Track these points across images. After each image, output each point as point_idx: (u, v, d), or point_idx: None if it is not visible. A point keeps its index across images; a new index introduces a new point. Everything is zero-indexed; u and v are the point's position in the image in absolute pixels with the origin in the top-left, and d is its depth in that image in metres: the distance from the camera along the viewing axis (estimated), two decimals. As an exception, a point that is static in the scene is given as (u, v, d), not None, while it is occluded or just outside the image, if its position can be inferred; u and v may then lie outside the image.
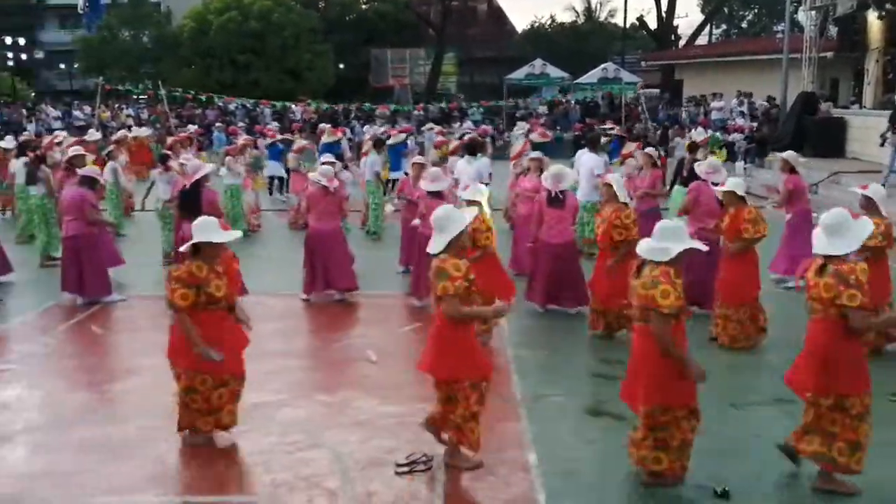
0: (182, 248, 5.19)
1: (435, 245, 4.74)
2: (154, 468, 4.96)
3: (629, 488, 4.73)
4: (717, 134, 22.85)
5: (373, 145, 13.86)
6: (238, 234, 5.47)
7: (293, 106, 31.61)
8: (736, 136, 23.42)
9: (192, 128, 22.13)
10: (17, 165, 11.58)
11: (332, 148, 14.67)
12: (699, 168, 8.66)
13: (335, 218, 8.85)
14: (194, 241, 4.96)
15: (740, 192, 7.10)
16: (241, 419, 5.69)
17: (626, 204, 7.30)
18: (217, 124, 24.26)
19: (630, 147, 13.20)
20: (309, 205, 8.87)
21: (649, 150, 10.99)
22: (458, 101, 33.79)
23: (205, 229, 4.95)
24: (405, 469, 4.88)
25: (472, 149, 11.79)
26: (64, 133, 16.31)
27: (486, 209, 7.06)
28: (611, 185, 7.32)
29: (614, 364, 6.77)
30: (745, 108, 27.18)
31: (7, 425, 5.65)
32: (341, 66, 41.49)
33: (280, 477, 4.81)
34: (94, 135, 15.60)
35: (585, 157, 11.40)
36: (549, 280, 8.19)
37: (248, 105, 31.20)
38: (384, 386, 6.37)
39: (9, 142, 9.74)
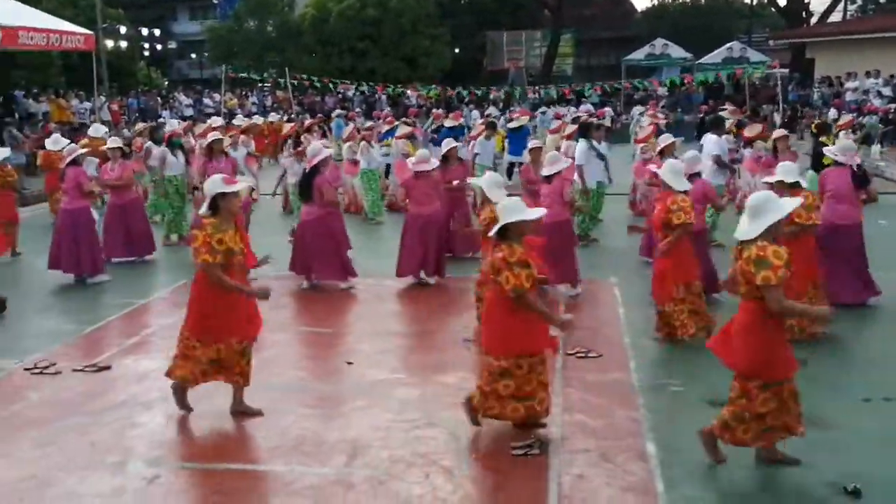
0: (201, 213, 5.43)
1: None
2: (279, 439, 5.18)
3: (750, 481, 4.58)
4: (857, 116, 21.51)
5: (485, 129, 13.90)
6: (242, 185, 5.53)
7: (408, 92, 32.06)
8: (871, 119, 21.99)
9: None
10: (157, 152, 12.23)
11: (454, 132, 14.80)
12: (830, 151, 8.16)
13: (433, 201, 8.80)
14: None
15: (789, 180, 6.57)
16: (359, 395, 5.88)
17: (685, 191, 6.87)
18: (337, 111, 24.89)
19: (756, 129, 12.61)
20: (407, 190, 8.88)
21: (781, 131, 10.44)
22: (571, 85, 33.31)
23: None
24: (520, 452, 4.89)
25: (585, 132, 11.62)
26: (217, 119, 17.07)
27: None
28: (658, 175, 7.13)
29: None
30: (882, 89, 25.45)
31: (144, 394, 6.03)
32: (457, 50, 41.62)
33: (398, 453, 4.93)
34: (217, 121, 16.31)
35: (709, 140, 11.00)
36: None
37: (364, 91, 31.88)
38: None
39: (115, 141, 10.37)
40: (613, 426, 5.28)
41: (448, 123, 16.52)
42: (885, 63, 27.14)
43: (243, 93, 35.40)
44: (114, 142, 10.62)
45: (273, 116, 23.21)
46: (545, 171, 8.15)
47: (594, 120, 14.34)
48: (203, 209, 5.35)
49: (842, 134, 12.56)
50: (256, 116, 23.08)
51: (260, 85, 35.33)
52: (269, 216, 13.16)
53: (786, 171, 6.69)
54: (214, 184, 5.29)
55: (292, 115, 25.52)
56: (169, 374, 5.56)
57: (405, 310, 8.26)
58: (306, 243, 8.66)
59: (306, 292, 8.77)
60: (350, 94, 33.17)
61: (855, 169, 7.77)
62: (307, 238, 8.64)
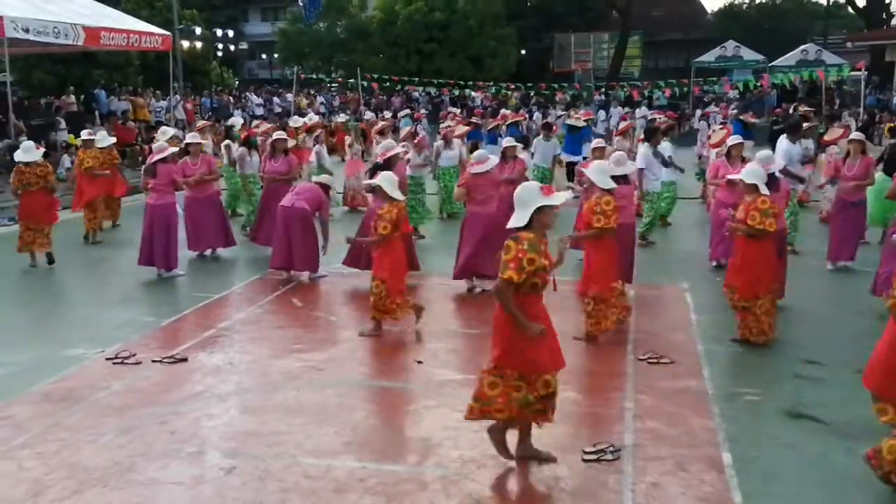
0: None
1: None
2: (351, 434, 5.24)
3: (831, 497, 4.43)
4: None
5: (542, 129, 13.94)
6: None
7: (473, 93, 32.12)
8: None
9: (387, 115, 23.09)
10: (238, 151, 12.50)
11: (513, 131, 14.86)
12: None
13: (492, 202, 8.63)
14: None
15: (749, 181, 6.71)
16: (429, 394, 5.91)
17: (609, 191, 6.92)
18: (403, 111, 25.09)
19: (836, 133, 12.22)
20: (468, 190, 8.64)
21: (857, 134, 10.10)
22: (639, 88, 32.86)
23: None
24: (592, 457, 4.84)
25: (648, 135, 11.52)
26: (299, 119, 17.38)
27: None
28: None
29: (814, 365, 6.38)
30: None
31: (219, 386, 6.18)
32: (523, 51, 41.48)
33: (468, 454, 4.93)
34: (297, 121, 16.62)
35: (782, 145, 10.70)
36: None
37: (431, 93, 32.08)
38: (567, 372, 6.26)
39: (194, 137, 10.79)
40: (688, 434, 5.19)
41: (510, 121, 16.51)
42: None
43: (312, 93, 35.98)
44: (193, 137, 10.94)
45: (341, 117, 23.53)
46: (616, 172, 8.05)
47: (661, 124, 14.15)
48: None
49: None
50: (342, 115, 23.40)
51: (328, 85, 35.86)
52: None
53: (748, 172, 6.84)
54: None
55: (361, 114, 25.85)
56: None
57: (472, 310, 8.25)
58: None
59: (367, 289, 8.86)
60: (416, 94, 33.40)
61: None
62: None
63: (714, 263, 9.53)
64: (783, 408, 5.59)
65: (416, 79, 29.13)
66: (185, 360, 6.72)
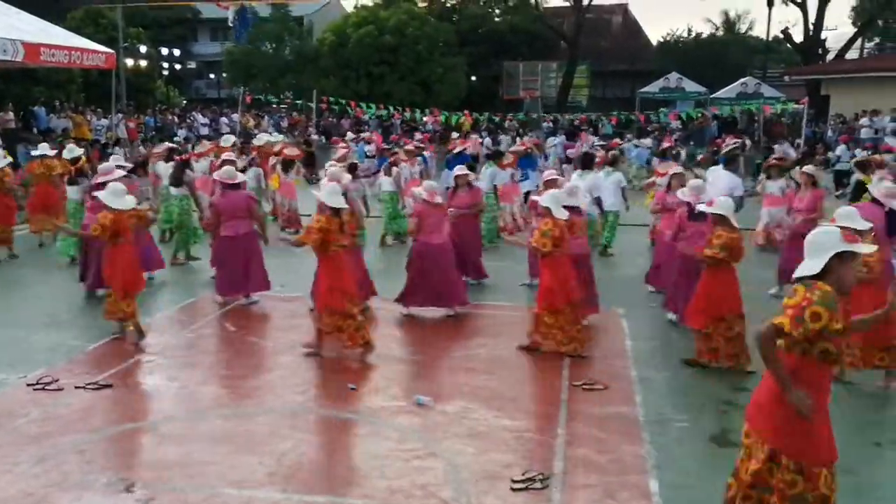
0: None
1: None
2: (277, 464, 5.12)
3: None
4: (866, 153, 21.45)
5: (488, 158, 14.07)
6: None
7: (425, 119, 32.23)
8: (887, 157, 21.85)
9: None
10: (163, 168, 12.32)
11: (463, 159, 14.89)
12: (874, 190, 8.00)
13: (441, 232, 8.64)
14: None
15: (715, 211, 6.98)
16: (360, 422, 5.82)
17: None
18: (349, 135, 25.02)
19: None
20: (418, 220, 8.60)
21: (809, 168, 10.40)
22: (586, 116, 33.41)
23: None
24: (521, 486, 4.81)
25: (586, 162, 11.82)
26: (231, 137, 17.10)
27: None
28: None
29: (743, 392, 6.46)
30: (897, 127, 25.37)
31: (144, 414, 6.00)
32: (473, 78, 41.90)
33: (396, 483, 4.86)
34: (228, 139, 16.38)
35: (721, 176, 10.96)
36: (689, 292, 8.02)
37: (379, 116, 32.06)
38: (502, 398, 6.33)
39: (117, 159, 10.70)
40: (618, 461, 5.20)
41: (458, 149, 16.60)
42: (901, 102, 27.08)
43: (259, 113, 35.68)
44: (115, 160, 10.78)
45: (270, 137, 23.21)
46: (567, 202, 8.19)
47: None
48: (803, 270, 3.74)
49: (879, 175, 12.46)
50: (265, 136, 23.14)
51: (277, 105, 35.61)
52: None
53: (719, 204, 7.03)
54: (831, 238, 3.75)
55: (308, 137, 25.69)
56: None
57: (412, 335, 8.20)
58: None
59: (307, 313, 8.76)
60: (365, 117, 33.37)
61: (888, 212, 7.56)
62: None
63: (651, 289, 9.65)
64: (711, 434, 5.65)
65: (370, 104, 29.09)
66: (109, 386, 6.50)
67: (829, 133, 28.34)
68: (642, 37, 50.25)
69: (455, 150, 16.51)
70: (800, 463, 3.66)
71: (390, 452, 5.29)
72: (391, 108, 28.62)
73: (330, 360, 7.24)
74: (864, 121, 27.03)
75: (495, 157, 13.77)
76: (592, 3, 42.15)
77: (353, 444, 5.47)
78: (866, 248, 3.82)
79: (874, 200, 7.72)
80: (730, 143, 16.02)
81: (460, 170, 10.23)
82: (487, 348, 7.55)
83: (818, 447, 3.68)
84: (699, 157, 15.89)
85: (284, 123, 34.67)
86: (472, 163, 14.69)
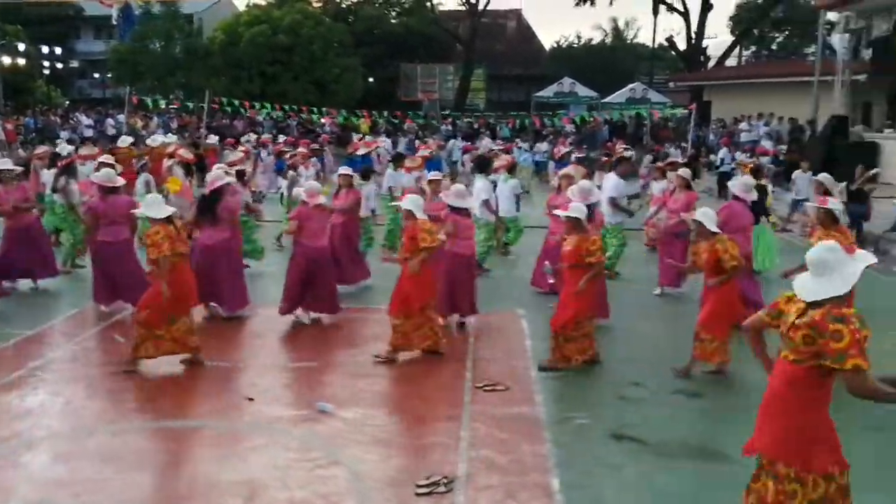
0: None
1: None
2: (171, 480, 4.92)
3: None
4: (745, 155, 22.70)
5: (391, 161, 13.97)
6: None
7: (322, 119, 31.84)
8: (764, 160, 23.14)
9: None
10: (47, 175, 11.68)
11: (356, 162, 14.82)
12: (732, 186, 8.75)
13: (322, 236, 8.44)
14: None
15: (571, 216, 7.12)
16: (258, 433, 5.67)
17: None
18: (246, 137, 24.45)
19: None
20: (300, 222, 8.37)
21: (683, 171, 10.85)
22: (485, 118, 33.88)
23: None
24: (425, 490, 4.79)
25: (483, 165, 11.95)
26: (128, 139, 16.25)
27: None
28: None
29: (638, 386, 6.68)
30: (772, 131, 26.90)
31: (28, 431, 5.65)
32: (370, 79, 41.75)
33: (298, 495, 4.75)
34: (125, 140, 15.71)
35: (608, 179, 11.29)
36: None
37: (273, 117, 31.48)
38: (403, 403, 6.31)
39: (5, 163, 9.92)
40: (519, 462, 5.26)
41: (361, 151, 16.50)
42: (776, 106, 28.73)
43: (147, 114, 34.36)
44: (5, 163, 10.05)
45: (161, 139, 22.41)
46: (457, 203, 8.21)
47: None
48: (829, 290, 3.65)
49: (742, 172, 13.17)
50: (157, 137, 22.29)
51: (167, 106, 34.39)
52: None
53: (573, 208, 7.21)
54: (841, 255, 3.72)
55: (199, 139, 24.87)
56: None
57: (306, 342, 8.04)
58: (211, 269, 8.37)
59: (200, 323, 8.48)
60: (259, 118, 32.69)
61: (750, 204, 8.42)
62: (212, 263, 8.36)
63: (538, 290, 9.81)
64: (609, 430, 5.79)
65: (265, 105, 28.42)
66: (-14, 404, 6.09)
67: (711, 137, 29.74)
68: (536, 42, 51.38)
69: (358, 152, 16.43)
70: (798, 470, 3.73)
71: (291, 463, 5.17)
72: (286, 109, 28.11)
73: (224, 371, 7.03)
74: (742, 125, 28.52)
75: (396, 159, 13.73)
76: (487, 7, 42.81)
77: (252, 455, 5.31)
78: (871, 260, 3.80)
79: (735, 198, 8.39)
80: (621, 147, 16.60)
81: (344, 170, 10.24)
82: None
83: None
84: (603, 161, 16.29)
85: (174, 124, 33.50)
86: (370, 166, 14.69)
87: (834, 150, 19.38)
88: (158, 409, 6.13)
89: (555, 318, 7.14)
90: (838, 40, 22.08)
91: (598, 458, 5.35)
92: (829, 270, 3.67)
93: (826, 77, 22.54)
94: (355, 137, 23.54)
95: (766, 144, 25.11)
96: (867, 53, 22.20)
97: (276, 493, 4.76)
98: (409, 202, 7.35)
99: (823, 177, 9.79)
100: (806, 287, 3.70)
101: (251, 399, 6.31)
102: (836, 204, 7.17)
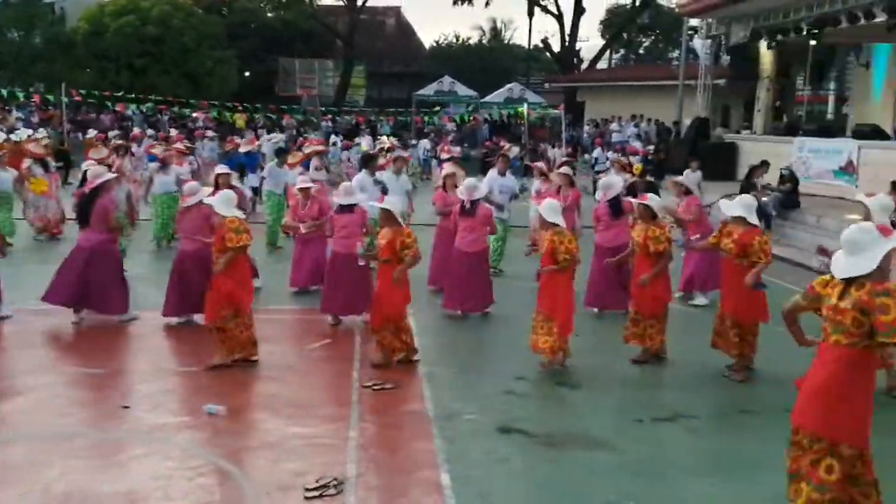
0: None
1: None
2: (41, 496, 4.61)
3: (538, 506, 4.73)
4: (617, 154, 23.69)
5: (275, 155, 13.77)
6: None
7: (195, 114, 30.75)
8: (633, 159, 24.20)
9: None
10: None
11: (234, 159, 14.51)
12: (601, 184, 9.48)
13: (202, 236, 8.00)
14: None
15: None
16: (137, 442, 5.41)
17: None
18: (115, 132, 23.27)
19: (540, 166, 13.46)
20: (178, 223, 8.17)
21: (565, 169, 11.19)
22: (366, 115, 33.69)
23: None
24: (315, 493, 4.71)
25: (367, 162, 11.94)
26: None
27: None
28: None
29: (524, 380, 6.83)
30: (641, 132, 28.19)
31: None
32: (246, 73, 40.65)
33: (181, 504, 4.57)
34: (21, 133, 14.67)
35: (490, 177, 11.48)
36: (460, 286, 8.63)
37: (144, 111, 30.14)
38: (292, 405, 6.18)
39: None
40: (409, 459, 5.27)
41: (244, 149, 16.12)
42: (645, 108, 30.15)
43: (6, 107, 32.06)
44: None
45: (22, 133, 21.01)
46: (342, 201, 8.20)
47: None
48: (858, 268, 3.90)
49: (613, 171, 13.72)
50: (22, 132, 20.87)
51: (26, 100, 32.20)
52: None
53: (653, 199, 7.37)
54: (873, 235, 3.99)
55: (64, 133, 23.50)
56: None
57: (187, 345, 7.74)
58: (88, 271, 7.91)
59: (69, 328, 8.02)
60: (128, 112, 31.20)
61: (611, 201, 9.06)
62: (89, 265, 7.92)
63: (432, 288, 9.89)
64: (496, 424, 5.89)
65: (135, 98, 27.09)
66: None
67: (585, 137, 30.83)
68: (415, 40, 51.55)
69: (241, 150, 16.04)
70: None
71: (173, 472, 4.96)
72: (155, 103, 26.93)
73: (99, 378, 6.66)
74: (613, 126, 29.72)
75: (279, 154, 13.48)
76: (366, 3, 42.58)
77: (131, 466, 5.06)
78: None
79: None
80: (505, 145, 16.96)
81: (221, 169, 10.03)
82: (276, 355, 7.32)
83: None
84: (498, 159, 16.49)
85: (36, 119, 31.45)
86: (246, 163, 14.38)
87: (697, 151, 20.53)
88: (24, 420, 5.74)
89: (372, 317, 7.09)
90: (700, 46, 23.36)
91: (486, 452, 5.43)
92: (859, 249, 3.93)
93: (690, 81, 23.80)
94: (249, 135, 22.93)
95: (636, 144, 26.29)
96: (727, 59, 23.59)
97: (157, 505, 4.56)
98: (219, 200, 7.04)
99: (686, 177, 10.43)
100: (839, 265, 3.99)
101: (127, 406, 6.01)
102: (656, 200, 7.55)
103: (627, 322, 7.42)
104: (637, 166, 12.81)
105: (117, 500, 4.59)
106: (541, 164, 13.66)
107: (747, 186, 13.49)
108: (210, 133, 23.26)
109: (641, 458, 5.44)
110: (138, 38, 34.39)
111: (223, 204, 6.97)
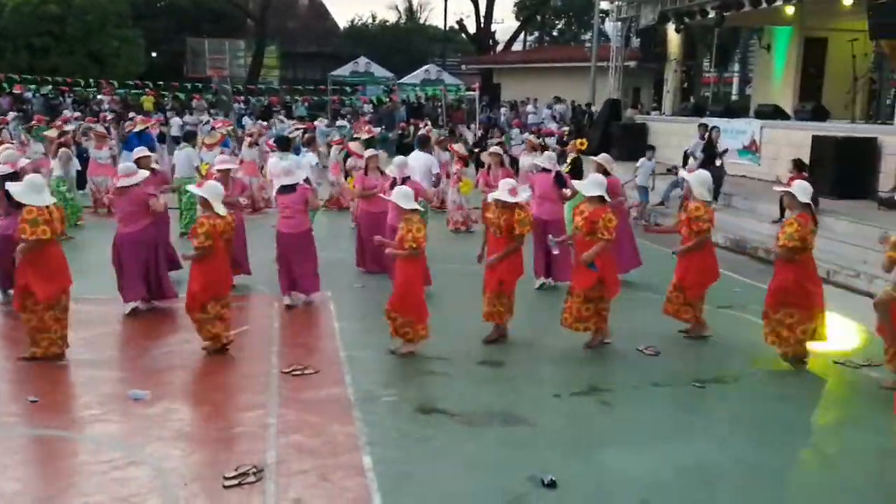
0: None
1: None
2: (-58, 499, 4.40)
3: (461, 485, 4.79)
4: (532, 136, 24.04)
5: (183, 138, 13.47)
6: None
7: (100, 95, 29.57)
8: (549, 140, 24.59)
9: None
10: None
11: (144, 139, 14.15)
12: (539, 160, 9.76)
13: (138, 219, 7.94)
14: None
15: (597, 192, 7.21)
16: (47, 438, 5.21)
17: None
18: (12, 114, 22.14)
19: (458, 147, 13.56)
20: (111, 206, 8.11)
21: (495, 149, 11.31)
22: (280, 96, 33.06)
23: None
24: (233, 481, 4.65)
25: (282, 145, 11.85)
26: None
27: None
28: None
29: (445, 360, 6.88)
30: (556, 113, 28.63)
31: None
32: (154, 54, 39.27)
33: (94, 500, 4.43)
34: None
35: (419, 157, 11.50)
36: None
37: (45, 93, 28.80)
38: (209, 394, 6.07)
39: None
40: (331, 443, 5.25)
41: (138, 128, 15.66)
42: (560, 90, 30.60)
43: None
44: None
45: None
46: (285, 182, 8.33)
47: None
48: None
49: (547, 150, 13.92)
50: None
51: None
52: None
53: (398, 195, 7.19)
54: None
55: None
56: None
57: (100, 335, 7.49)
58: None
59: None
60: (28, 94, 29.73)
61: (556, 175, 9.34)
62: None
63: (363, 271, 9.84)
64: (417, 404, 5.93)
65: (35, 78, 25.78)
66: None
67: (502, 118, 31.09)
68: (330, 20, 50.81)
69: (135, 130, 15.58)
70: None
71: (85, 466, 4.81)
72: (54, 84, 25.74)
73: (4, 372, 6.38)
74: (529, 107, 30.08)
75: (188, 137, 13.09)
76: (278, -18, 41.71)
77: (40, 462, 4.88)
78: None
79: (544, 170, 9.37)
80: (422, 127, 16.96)
81: (140, 151, 9.71)
82: (192, 343, 7.14)
83: None
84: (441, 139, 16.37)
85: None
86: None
87: (610, 131, 21.02)
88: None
89: (188, 301, 6.84)
90: (611, 28, 23.85)
91: (407, 433, 5.46)
92: None
93: (602, 63, 24.26)
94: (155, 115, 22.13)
95: (552, 126, 26.70)
96: (637, 42, 24.15)
97: (70, 501, 4.41)
98: (24, 186, 6.56)
99: (603, 157, 10.59)
100: None
101: (35, 401, 5.78)
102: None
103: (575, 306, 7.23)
104: (581, 141, 12.97)
105: (27, 500, 4.43)
106: (459, 146, 13.75)
107: (712, 155, 13.75)
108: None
109: (560, 431, 5.59)
110: (38, 16, 32.75)
111: (27, 192, 6.42)
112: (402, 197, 6.97)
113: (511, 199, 7.02)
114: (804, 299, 6.67)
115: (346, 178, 13.18)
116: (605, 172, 10.01)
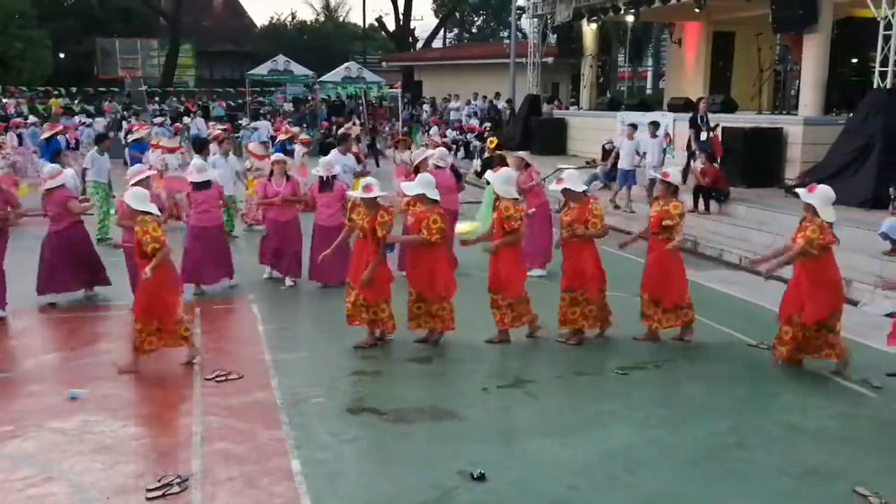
0: None
1: None
2: None
3: (390, 482, 4.79)
4: (455, 133, 24.22)
5: (95, 142, 13.09)
6: None
7: (4, 100, 28.33)
8: (470, 136, 24.78)
9: None
10: None
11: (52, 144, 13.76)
12: (433, 158, 9.76)
13: (61, 218, 8.31)
14: None
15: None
16: (-45, 459, 4.99)
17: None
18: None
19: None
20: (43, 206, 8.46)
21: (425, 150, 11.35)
22: (197, 97, 32.30)
23: None
24: (156, 493, 4.54)
25: (199, 147, 11.63)
26: None
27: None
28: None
29: (373, 360, 6.88)
30: (477, 109, 28.82)
31: None
32: (61, 55, 37.82)
33: (10, 518, 4.27)
34: None
35: (337, 157, 11.40)
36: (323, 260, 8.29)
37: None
38: (130, 405, 5.91)
39: None
40: (258, 449, 5.17)
41: (46, 134, 15.11)
42: (480, 86, 30.78)
43: None
44: None
45: None
46: (196, 178, 8.77)
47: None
48: None
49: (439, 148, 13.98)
50: None
51: None
52: None
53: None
54: None
55: None
56: None
57: (14, 345, 7.19)
58: None
59: None
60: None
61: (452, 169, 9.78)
62: None
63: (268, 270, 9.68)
64: (345, 406, 5.91)
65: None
66: None
67: (425, 115, 31.14)
68: (246, 18, 49.94)
69: (44, 136, 15.03)
70: None
71: (1, 484, 4.62)
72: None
73: None
74: (451, 104, 30.20)
75: (99, 140, 12.71)
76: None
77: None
78: None
79: (437, 167, 9.43)
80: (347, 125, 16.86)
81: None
82: (112, 353, 6.93)
83: None
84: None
85: None
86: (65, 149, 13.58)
87: (530, 126, 21.32)
88: None
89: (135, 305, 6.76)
90: (528, 25, 24.16)
91: (335, 435, 5.43)
92: None
93: (521, 59, 24.56)
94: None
95: (473, 122, 26.88)
96: (554, 38, 24.53)
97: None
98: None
99: (524, 153, 10.76)
100: None
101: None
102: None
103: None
104: (492, 139, 13.08)
105: (-65, 523, 4.24)
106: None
107: (695, 120, 14.02)
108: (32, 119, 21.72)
109: (488, 424, 5.65)
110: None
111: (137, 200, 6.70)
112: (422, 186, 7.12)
113: (368, 196, 6.90)
114: None
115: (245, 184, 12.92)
116: (527, 165, 10.21)
